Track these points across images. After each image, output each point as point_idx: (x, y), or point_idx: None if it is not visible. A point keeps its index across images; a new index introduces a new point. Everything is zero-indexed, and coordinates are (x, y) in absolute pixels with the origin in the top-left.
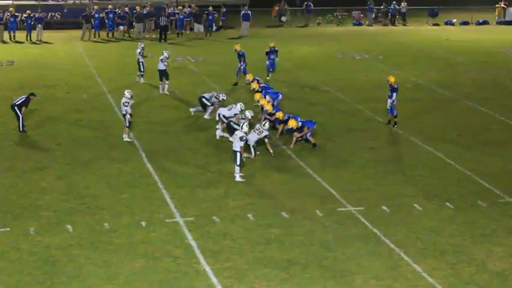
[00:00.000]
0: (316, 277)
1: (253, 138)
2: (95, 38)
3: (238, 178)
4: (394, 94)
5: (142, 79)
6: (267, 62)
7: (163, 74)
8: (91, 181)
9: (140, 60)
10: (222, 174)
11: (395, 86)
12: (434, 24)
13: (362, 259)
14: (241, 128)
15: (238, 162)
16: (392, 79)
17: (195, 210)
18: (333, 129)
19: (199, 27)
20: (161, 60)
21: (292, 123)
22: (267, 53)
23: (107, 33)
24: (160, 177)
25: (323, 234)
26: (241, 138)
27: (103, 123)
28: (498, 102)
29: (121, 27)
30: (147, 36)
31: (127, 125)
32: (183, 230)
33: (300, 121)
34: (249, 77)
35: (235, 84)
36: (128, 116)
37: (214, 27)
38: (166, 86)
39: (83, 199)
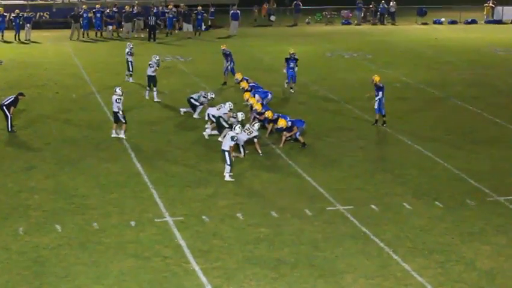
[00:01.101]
0: (306, 276)
1: (243, 138)
2: (84, 37)
3: (227, 178)
4: (380, 93)
5: (130, 78)
6: (285, 71)
7: (151, 80)
8: (79, 181)
9: (129, 59)
10: (211, 173)
11: (380, 85)
12: (423, 24)
13: (351, 258)
14: (233, 129)
15: (228, 162)
16: (376, 78)
17: (184, 210)
18: (322, 129)
19: (188, 27)
20: (150, 65)
21: (281, 123)
22: (286, 60)
23: (96, 33)
24: (150, 177)
25: (312, 234)
26: (232, 138)
27: (92, 122)
28: (487, 101)
29: (110, 27)
30: (136, 36)
31: (123, 121)
32: (172, 229)
33: (290, 120)
34: (238, 76)
35: (224, 83)
36: (121, 113)
37: (203, 27)
38: (155, 93)
39: (72, 199)
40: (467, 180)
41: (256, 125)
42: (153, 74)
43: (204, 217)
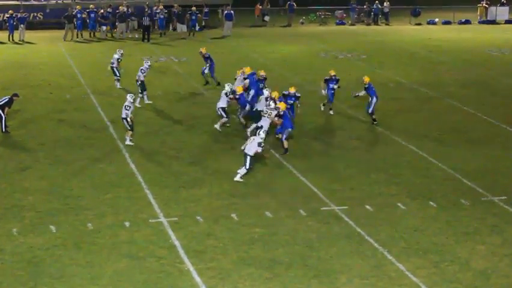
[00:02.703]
0: (300, 276)
1: (267, 122)
2: (77, 38)
3: (238, 178)
4: (363, 92)
5: (118, 84)
6: (325, 92)
7: (142, 85)
8: (74, 181)
9: (114, 65)
10: (206, 174)
11: (366, 86)
12: (417, 24)
13: (345, 258)
14: (258, 134)
15: (247, 166)
16: (366, 79)
17: (178, 210)
18: (316, 129)
19: (181, 27)
20: (141, 70)
21: (281, 105)
22: (326, 81)
23: (89, 33)
24: (144, 177)
25: (306, 234)
26: (259, 144)
27: (86, 123)
28: (480, 101)
29: (104, 27)
30: (130, 36)
31: (129, 128)
32: (167, 230)
33: (285, 115)
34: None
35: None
36: (129, 120)
37: (197, 27)
38: (145, 96)
39: (66, 199)
40: (461, 180)
41: (272, 104)
42: (143, 79)
43: (198, 217)
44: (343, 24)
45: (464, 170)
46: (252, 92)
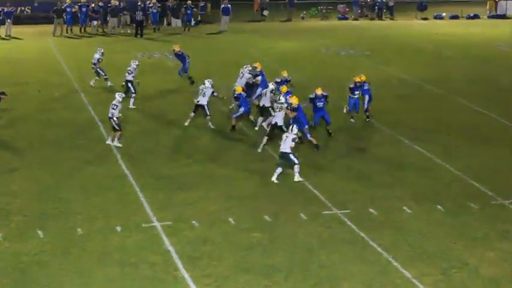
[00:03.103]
0: (301, 283)
1: (280, 117)
2: (67, 33)
3: (298, 178)
4: (357, 92)
5: (108, 82)
6: (351, 101)
7: (127, 86)
8: (63, 184)
9: (96, 66)
10: (202, 176)
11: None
12: (423, 19)
13: (348, 264)
14: (291, 130)
15: (296, 161)
16: (363, 77)
17: (172, 214)
18: (317, 128)
19: (176, 22)
20: (128, 71)
21: (294, 101)
22: (352, 89)
23: (80, 28)
24: (136, 180)
25: (307, 239)
26: (293, 140)
27: (76, 122)
28: (490, 99)
29: (95, 22)
30: (122, 32)
31: (117, 128)
32: (160, 235)
33: (300, 109)
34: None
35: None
36: (115, 119)
37: (193, 22)
38: (132, 99)
39: (55, 203)
40: (469, 182)
41: (282, 98)
42: (131, 79)
43: (193, 222)
44: (346, 19)
45: (473, 172)
46: (258, 91)
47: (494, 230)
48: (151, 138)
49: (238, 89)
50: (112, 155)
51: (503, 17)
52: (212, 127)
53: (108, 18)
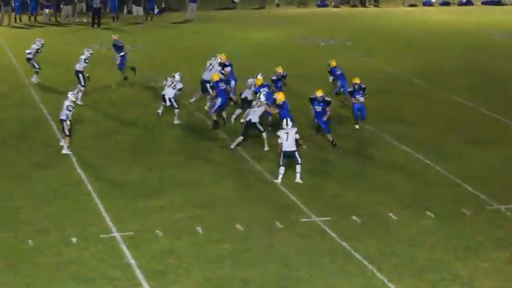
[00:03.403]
0: None
1: (257, 114)
2: (15, 22)
3: (299, 179)
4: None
5: (36, 77)
6: (355, 107)
7: (78, 78)
8: (12, 190)
9: (31, 57)
10: (166, 181)
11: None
12: (411, 5)
13: (329, 278)
14: (287, 126)
15: (300, 160)
16: (333, 63)
17: (134, 224)
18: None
19: (138, 10)
20: (85, 60)
21: (280, 97)
22: (351, 93)
23: (29, 17)
24: (94, 186)
25: (283, 250)
26: (296, 133)
27: (26, 121)
28: (484, 94)
29: (47, 10)
30: (77, 21)
31: (68, 133)
32: (121, 246)
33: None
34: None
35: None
36: (68, 123)
37: (156, 10)
38: (80, 93)
39: (2, 211)
40: (462, 185)
41: (262, 97)
42: (81, 70)
43: (157, 232)
44: (325, 6)
45: (466, 174)
46: (232, 83)
47: (489, 238)
48: (109, 139)
49: (215, 76)
50: (67, 159)
51: (498, 3)
52: (177, 122)
53: (61, 6)
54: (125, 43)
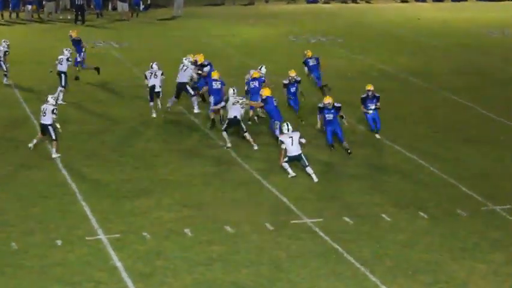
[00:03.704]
0: None
1: (237, 110)
2: None
3: (315, 178)
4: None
5: (6, 79)
6: (368, 117)
7: (61, 76)
8: None
9: (1, 59)
10: (153, 181)
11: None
12: (403, 1)
13: (320, 280)
14: (288, 130)
15: (307, 163)
16: (309, 53)
17: (121, 225)
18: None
19: (123, 6)
20: (67, 59)
21: (266, 92)
22: (364, 101)
23: (10, 14)
24: (79, 187)
25: (274, 252)
26: (301, 137)
27: (8, 121)
28: (480, 93)
29: (29, 7)
30: (61, 18)
31: (55, 137)
32: (107, 249)
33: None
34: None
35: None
36: (54, 126)
37: (142, 6)
38: (61, 93)
39: None
40: (457, 186)
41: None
42: (65, 70)
43: (144, 233)
44: (315, 2)
45: (461, 175)
46: (211, 99)
47: (485, 240)
48: (94, 139)
49: (214, 74)
50: (51, 159)
51: None
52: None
53: (44, 2)
54: (109, 40)
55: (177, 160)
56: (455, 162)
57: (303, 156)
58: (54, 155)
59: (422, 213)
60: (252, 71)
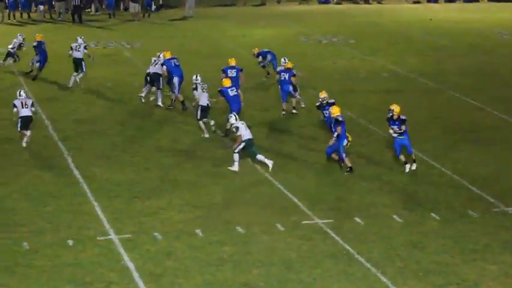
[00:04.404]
0: None
1: (205, 97)
2: (9, 19)
3: (271, 165)
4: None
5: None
6: (397, 143)
7: (79, 64)
8: (5, 192)
9: (13, 50)
10: (164, 181)
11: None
12: (415, 2)
13: (331, 281)
14: (236, 120)
15: (258, 150)
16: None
17: (132, 226)
18: (295, 127)
19: (134, 7)
20: (85, 47)
21: (224, 82)
22: (389, 122)
23: (21, 14)
24: (90, 186)
25: (285, 252)
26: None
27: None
28: (490, 94)
29: (41, 7)
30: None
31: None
32: (118, 249)
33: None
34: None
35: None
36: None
37: (154, 7)
38: (74, 78)
39: None
40: (468, 187)
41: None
42: (81, 57)
43: (155, 234)
44: (327, 2)
45: (472, 176)
46: (175, 80)
47: (496, 241)
48: (105, 139)
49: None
50: (63, 158)
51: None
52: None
53: (54, 2)
54: (121, 41)
55: (188, 160)
56: (466, 163)
57: (254, 142)
58: (24, 144)
59: (433, 215)
60: (284, 61)
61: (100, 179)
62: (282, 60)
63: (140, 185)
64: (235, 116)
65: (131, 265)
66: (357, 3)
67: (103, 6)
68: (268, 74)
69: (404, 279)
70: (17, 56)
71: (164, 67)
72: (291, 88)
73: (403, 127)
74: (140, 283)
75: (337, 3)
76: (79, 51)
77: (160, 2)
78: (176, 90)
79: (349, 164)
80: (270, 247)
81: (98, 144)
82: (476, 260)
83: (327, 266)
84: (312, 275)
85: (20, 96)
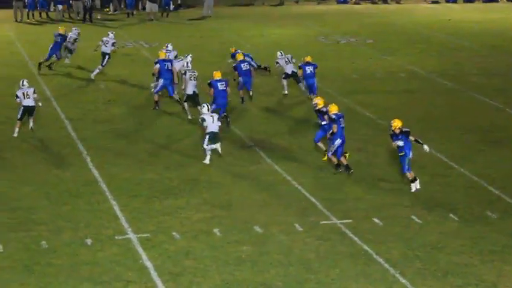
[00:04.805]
0: None
1: (193, 85)
2: (28, 19)
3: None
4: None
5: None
6: (404, 154)
7: (105, 56)
8: (24, 191)
9: (68, 44)
10: (183, 181)
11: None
12: (434, 2)
13: (350, 281)
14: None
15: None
16: (232, 50)
17: (150, 225)
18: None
19: (152, 7)
20: (113, 44)
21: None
22: (393, 137)
23: (40, 13)
24: (109, 186)
25: (303, 253)
26: (218, 119)
27: (39, 120)
28: (510, 95)
29: (60, 6)
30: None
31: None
32: (136, 248)
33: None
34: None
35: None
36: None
37: (172, 6)
38: (97, 70)
39: (15, 212)
40: (487, 188)
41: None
42: (108, 52)
43: (174, 233)
44: (346, 2)
45: (491, 176)
46: (160, 82)
47: None
48: (124, 138)
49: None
50: (81, 158)
51: None
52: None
53: (71, 2)
54: (139, 40)
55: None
56: (484, 164)
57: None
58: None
59: (451, 215)
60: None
61: (118, 178)
62: (279, 53)
63: (159, 184)
64: (207, 106)
65: (149, 264)
66: (376, 3)
67: (122, 6)
68: (266, 69)
69: (423, 279)
70: (73, 50)
71: (157, 66)
72: (316, 81)
73: (411, 138)
74: (159, 282)
75: (355, 3)
76: (107, 46)
77: (179, 1)
78: (155, 90)
79: (335, 162)
80: (288, 247)
81: (117, 143)
82: (495, 260)
83: (346, 266)
84: (330, 276)
85: (22, 86)
